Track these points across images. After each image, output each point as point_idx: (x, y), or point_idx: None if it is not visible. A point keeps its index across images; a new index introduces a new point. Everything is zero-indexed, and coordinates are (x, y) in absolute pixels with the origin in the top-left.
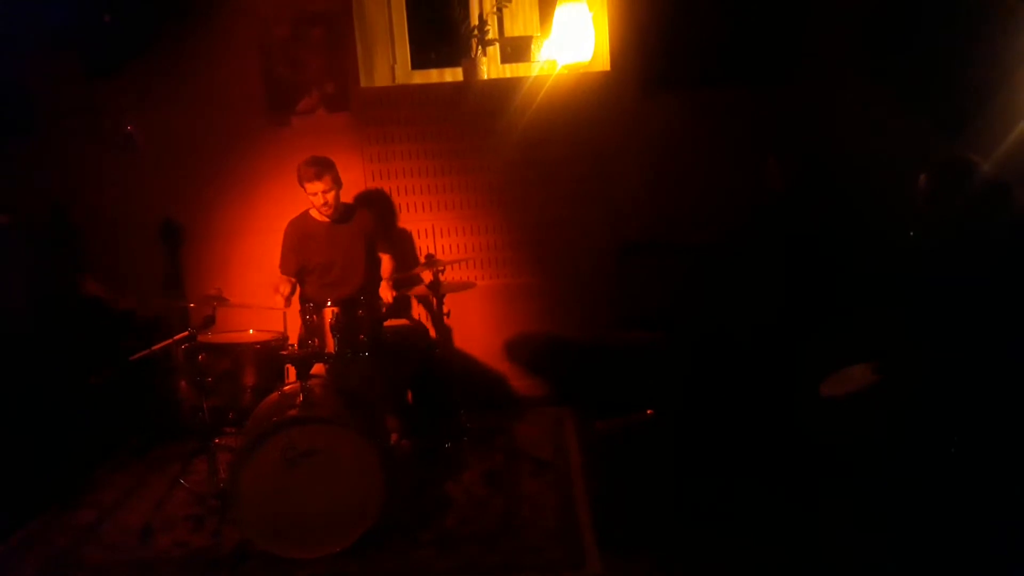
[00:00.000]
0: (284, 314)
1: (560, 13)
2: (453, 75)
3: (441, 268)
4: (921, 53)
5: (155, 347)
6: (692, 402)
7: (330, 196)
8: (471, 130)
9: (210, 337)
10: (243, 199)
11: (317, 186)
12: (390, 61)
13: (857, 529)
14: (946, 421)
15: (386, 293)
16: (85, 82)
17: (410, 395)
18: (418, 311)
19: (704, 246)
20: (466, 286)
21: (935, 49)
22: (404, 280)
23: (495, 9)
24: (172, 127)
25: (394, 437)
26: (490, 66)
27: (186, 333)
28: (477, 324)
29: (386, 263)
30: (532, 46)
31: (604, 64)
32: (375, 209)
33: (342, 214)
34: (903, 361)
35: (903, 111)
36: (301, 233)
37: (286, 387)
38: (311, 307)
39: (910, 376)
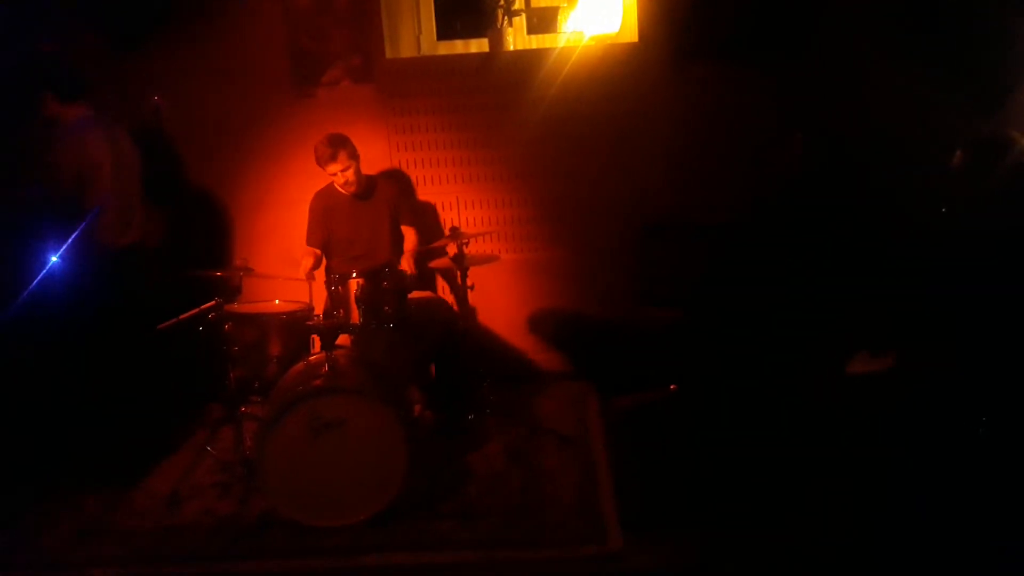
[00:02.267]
0: (310, 285)
1: None
2: (479, 46)
3: (465, 241)
4: (953, 27)
5: (182, 316)
6: (714, 380)
7: (349, 173)
8: (496, 102)
9: (236, 307)
10: (269, 171)
11: (335, 166)
12: (415, 31)
13: (878, 509)
14: (974, 400)
15: (410, 266)
16: (111, 56)
17: (433, 367)
18: (442, 284)
19: (728, 225)
20: (490, 259)
21: (967, 23)
22: (428, 252)
23: None
24: (197, 100)
25: (417, 409)
26: (516, 37)
27: (213, 303)
28: (500, 297)
29: (411, 236)
30: (559, 17)
31: (632, 35)
32: (400, 181)
33: (366, 188)
34: (930, 340)
35: (936, 87)
36: (326, 205)
37: (311, 357)
38: (336, 278)
39: (937, 355)
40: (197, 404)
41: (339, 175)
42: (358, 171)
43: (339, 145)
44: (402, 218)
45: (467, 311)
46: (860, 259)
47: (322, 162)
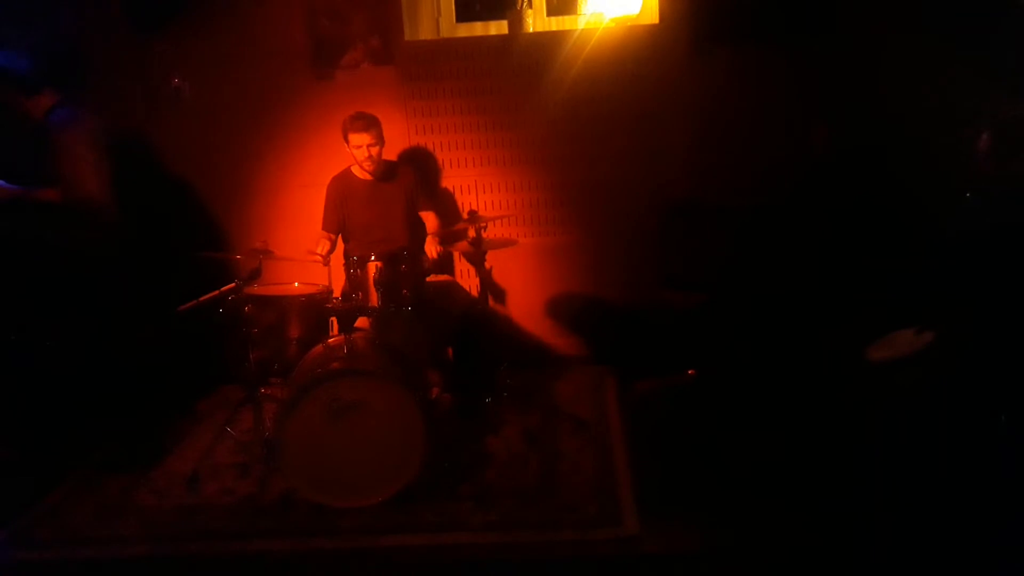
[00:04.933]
0: (328, 268)
1: None
2: (498, 28)
3: (484, 224)
4: (981, 8)
5: (202, 298)
6: (733, 365)
7: (374, 151)
8: (515, 85)
9: (256, 289)
10: (288, 153)
11: (363, 138)
12: (434, 13)
13: (897, 495)
14: (999, 388)
15: (431, 249)
16: (132, 38)
17: (451, 351)
18: (460, 267)
19: (748, 208)
20: (508, 243)
21: (995, 3)
22: (447, 236)
23: None
24: (217, 82)
25: (435, 391)
26: (536, 19)
27: (232, 285)
28: (519, 281)
29: (431, 221)
30: None
31: (653, 17)
32: (418, 164)
33: (384, 172)
34: (956, 326)
35: (963, 68)
36: (343, 190)
37: (330, 340)
38: (355, 261)
39: (962, 341)
40: (214, 385)
41: (363, 148)
42: (381, 153)
43: (372, 121)
44: (420, 204)
45: (485, 295)
46: (883, 244)
47: (350, 131)
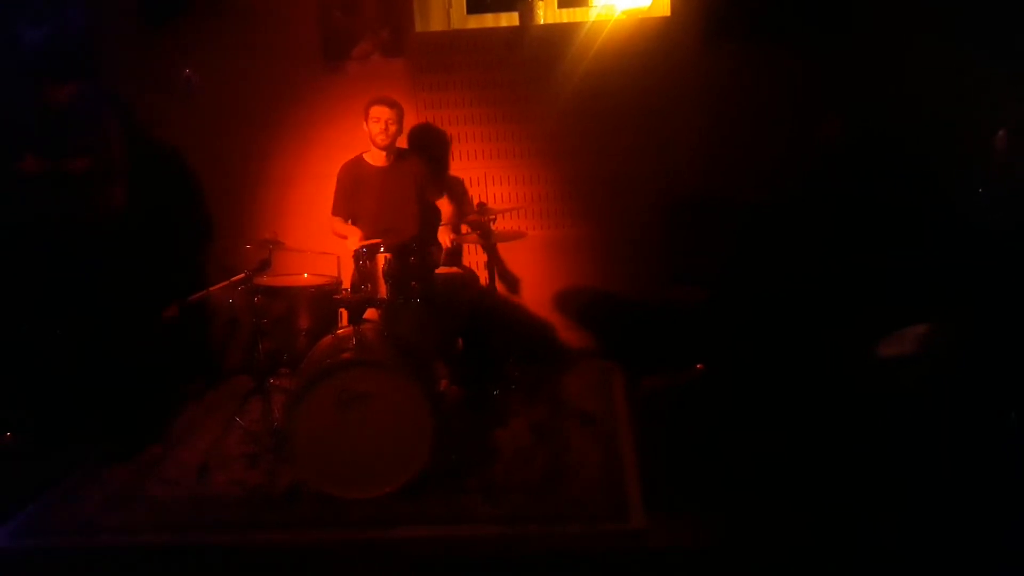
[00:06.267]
0: (338, 259)
1: None
2: (509, 19)
3: (493, 217)
4: (996, 5)
5: (212, 288)
6: (741, 361)
7: (392, 127)
8: (526, 77)
9: (266, 280)
10: (298, 145)
11: (383, 111)
12: (445, 5)
13: (903, 493)
14: (1008, 386)
15: (444, 239)
16: (144, 30)
17: (460, 343)
18: (469, 260)
19: (756, 204)
20: (517, 236)
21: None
22: (456, 228)
23: None
24: (228, 73)
25: (443, 384)
26: (547, 10)
27: (242, 275)
28: (527, 274)
29: (445, 210)
30: None
31: (664, 10)
32: (428, 156)
33: (395, 158)
34: (966, 322)
35: (978, 66)
36: (354, 177)
37: (339, 331)
38: (364, 252)
39: (972, 337)
40: (223, 376)
41: (381, 121)
42: (397, 134)
43: (397, 102)
44: (431, 194)
45: (494, 287)
46: (892, 240)
47: (372, 104)
